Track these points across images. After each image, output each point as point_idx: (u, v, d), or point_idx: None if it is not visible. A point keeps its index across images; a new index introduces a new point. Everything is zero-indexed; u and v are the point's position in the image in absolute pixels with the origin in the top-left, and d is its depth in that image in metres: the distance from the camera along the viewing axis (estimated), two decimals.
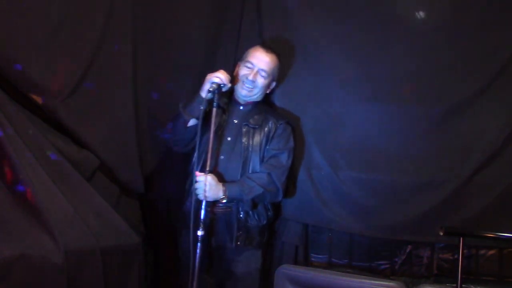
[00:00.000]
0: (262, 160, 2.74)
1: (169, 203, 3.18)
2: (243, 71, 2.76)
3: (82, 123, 2.65)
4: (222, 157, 2.72)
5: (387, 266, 2.93)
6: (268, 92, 2.87)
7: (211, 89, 2.56)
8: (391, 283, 2.63)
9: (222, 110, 2.78)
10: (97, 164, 2.72)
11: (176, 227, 2.99)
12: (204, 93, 2.60)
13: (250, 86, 2.74)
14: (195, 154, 2.71)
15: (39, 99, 2.52)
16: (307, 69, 2.99)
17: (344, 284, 2.64)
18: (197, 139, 2.55)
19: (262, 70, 2.74)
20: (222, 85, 2.58)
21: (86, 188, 2.61)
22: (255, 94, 2.78)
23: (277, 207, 2.93)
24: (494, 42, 2.72)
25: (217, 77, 2.58)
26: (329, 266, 2.97)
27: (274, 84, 2.88)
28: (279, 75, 2.89)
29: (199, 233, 2.46)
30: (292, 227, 3.01)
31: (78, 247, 2.35)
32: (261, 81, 2.75)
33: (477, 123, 2.76)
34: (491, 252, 2.80)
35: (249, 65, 2.75)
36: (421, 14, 2.83)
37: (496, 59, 2.72)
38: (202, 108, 2.59)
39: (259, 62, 2.74)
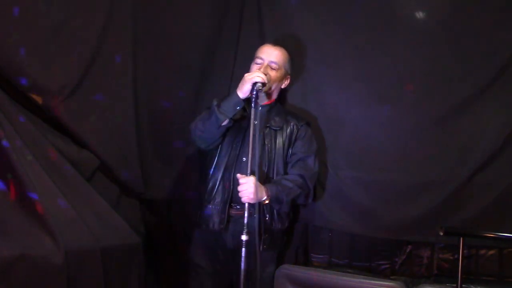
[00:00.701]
0: (285, 163, 2.72)
1: (170, 204, 3.18)
2: (253, 67, 2.73)
3: (82, 123, 2.65)
4: (244, 159, 2.68)
5: (387, 266, 2.93)
6: (283, 87, 2.83)
7: (260, 88, 2.51)
8: (391, 283, 2.63)
9: (244, 111, 2.74)
10: (97, 164, 2.72)
11: (181, 228, 2.99)
12: (243, 93, 2.54)
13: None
14: (216, 156, 2.71)
15: (39, 99, 2.52)
16: (307, 69, 2.99)
17: (344, 284, 2.64)
18: (252, 140, 2.45)
19: (272, 62, 2.71)
20: (264, 84, 2.54)
21: (86, 188, 2.61)
22: (269, 88, 2.72)
23: (294, 210, 2.92)
24: (494, 42, 2.72)
25: (260, 76, 2.53)
26: (329, 266, 2.97)
27: (288, 79, 2.82)
28: (293, 71, 2.85)
29: (244, 237, 2.38)
30: (292, 227, 3.01)
31: (78, 247, 2.35)
32: (273, 74, 2.70)
33: (477, 123, 2.75)
34: (491, 252, 2.80)
35: (258, 60, 2.73)
36: (421, 14, 2.83)
37: (496, 59, 2.72)
38: (238, 108, 2.57)
39: (268, 55, 2.72)
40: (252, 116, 2.45)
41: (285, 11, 3.02)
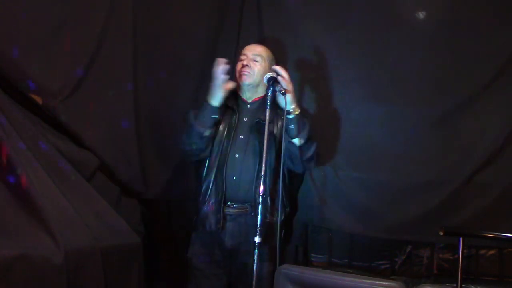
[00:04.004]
0: (278, 156, 2.69)
1: (170, 204, 3.18)
2: (238, 65, 2.78)
3: (82, 123, 2.65)
4: (237, 155, 2.71)
5: (387, 266, 2.93)
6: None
7: (282, 91, 2.55)
8: (391, 283, 2.63)
9: (232, 109, 2.78)
10: (97, 164, 2.72)
11: (181, 228, 3.00)
12: (215, 101, 2.64)
13: (247, 71, 2.72)
14: (208, 158, 2.72)
15: (39, 99, 2.52)
16: (307, 69, 2.99)
17: (344, 284, 2.63)
18: (267, 138, 2.50)
19: (255, 55, 2.74)
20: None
21: (86, 188, 2.61)
22: (254, 80, 2.74)
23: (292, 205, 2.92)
24: (494, 42, 2.72)
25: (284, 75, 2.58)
26: (329, 266, 2.97)
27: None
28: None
29: (257, 239, 2.39)
30: (291, 225, 3.01)
31: (78, 247, 2.35)
32: (256, 66, 2.73)
33: (477, 123, 2.76)
34: (491, 252, 2.80)
35: (242, 57, 2.77)
36: (421, 15, 2.83)
37: (495, 59, 2.72)
38: (215, 116, 2.65)
39: (251, 51, 2.76)
40: (268, 115, 2.49)
41: (285, 11, 3.02)
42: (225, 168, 2.70)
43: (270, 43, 2.95)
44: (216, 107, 2.65)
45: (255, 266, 2.36)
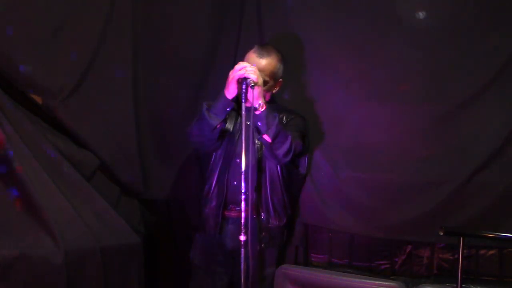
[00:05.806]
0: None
1: (170, 204, 3.18)
2: None
3: (82, 123, 2.65)
4: (238, 160, 2.68)
5: (387, 266, 2.93)
6: (274, 91, 2.79)
7: (252, 84, 2.41)
8: (391, 283, 2.63)
9: (237, 112, 2.74)
10: (97, 164, 2.72)
11: (181, 229, 3.01)
12: (229, 94, 2.50)
13: None
14: (212, 160, 2.71)
15: (39, 99, 2.53)
16: (307, 68, 2.99)
17: (344, 284, 2.64)
18: (245, 139, 2.37)
19: None
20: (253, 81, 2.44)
21: (86, 188, 2.62)
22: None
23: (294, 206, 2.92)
24: (494, 42, 2.72)
25: (244, 71, 2.43)
26: (329, 266, 2.97)
27: (280, 84, 2.77)
28: (285, 73, 2.78)
29: (242, 238, 2.34)
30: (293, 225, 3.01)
31: (78, 247, 2.36)
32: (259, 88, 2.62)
33: (477, 123, 2.75)
34: (491, 252, 2.79)
35: None
36: (421, 14, 2.83)
37: (496, 59, 2.71)
38: (228, 109, 2.55)
39: None
40: (244, 113, 2.38)
41: (285, 11, 3.02)
42: (227, 172, 2.69)
43: (270, 43, 2.95)
44: (230, 100, 2.52)
45: (242, 266, 2.33)
